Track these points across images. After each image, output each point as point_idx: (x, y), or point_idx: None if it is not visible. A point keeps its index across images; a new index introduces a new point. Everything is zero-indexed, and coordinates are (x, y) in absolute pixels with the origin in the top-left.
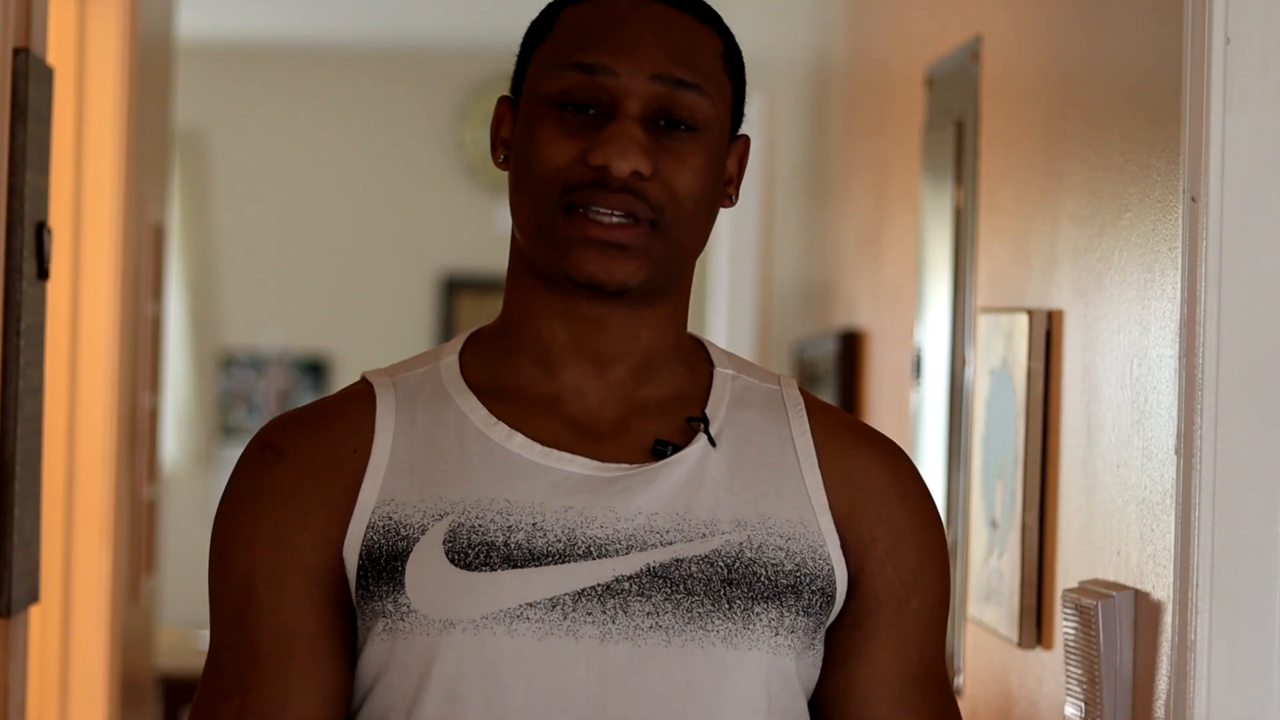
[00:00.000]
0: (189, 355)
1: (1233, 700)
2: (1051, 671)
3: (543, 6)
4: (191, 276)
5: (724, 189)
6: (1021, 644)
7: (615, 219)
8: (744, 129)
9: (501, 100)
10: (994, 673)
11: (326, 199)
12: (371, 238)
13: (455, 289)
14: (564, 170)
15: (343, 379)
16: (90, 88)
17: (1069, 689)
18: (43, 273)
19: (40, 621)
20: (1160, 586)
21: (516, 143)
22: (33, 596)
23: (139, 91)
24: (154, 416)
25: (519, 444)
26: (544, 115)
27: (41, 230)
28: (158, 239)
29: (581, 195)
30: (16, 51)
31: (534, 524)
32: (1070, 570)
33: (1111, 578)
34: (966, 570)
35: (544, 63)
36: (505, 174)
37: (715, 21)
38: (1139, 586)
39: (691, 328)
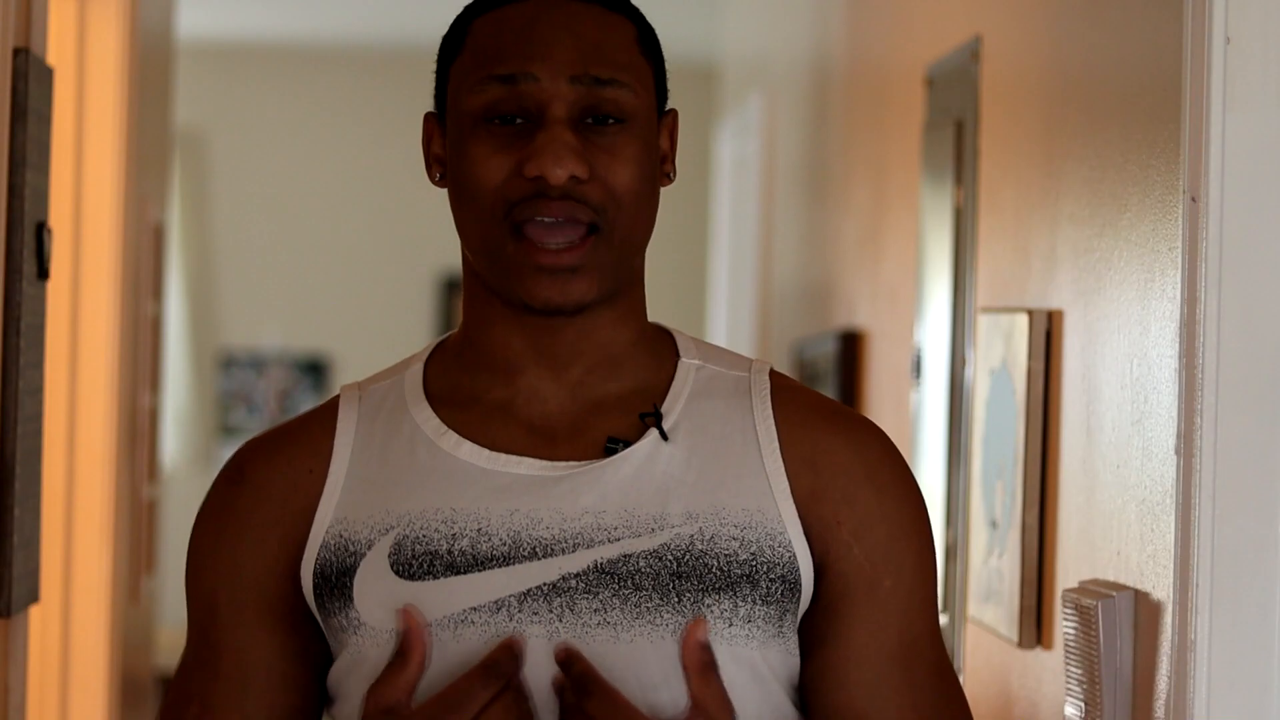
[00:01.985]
0: (189, 355)
1: (1233, 700)
2: (1051, 671)
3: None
4: (191, 276)
5: (661, 168)
6: (1021, 644)
7: (560, 242)
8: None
9: (428, 117)
10: (994, 673)
11: (326, 199)
12: (371, 238)
13: (455, 289)
14: (502, 188)
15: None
16: (90, 88)
17: (1069, 689)
18: (43, 273)
19: (40, 621)
20: (1160, 586)
21: (450, 162)
22: (33, 596)
23: (139, 91)
24: (154, 416)
25: (467, 451)
26: (473, 132)
27: (41, 230)
28: (158, 239)
29: (524, 209)
30: (16, 51)
31: (479, 529)
32: (1070, 570)
33: (1111, 578)
34: (966, 570)
35: (463, 78)
36: (441, 184)
37: (624, 8)
38: (1139, 586)
39: (692, 328)
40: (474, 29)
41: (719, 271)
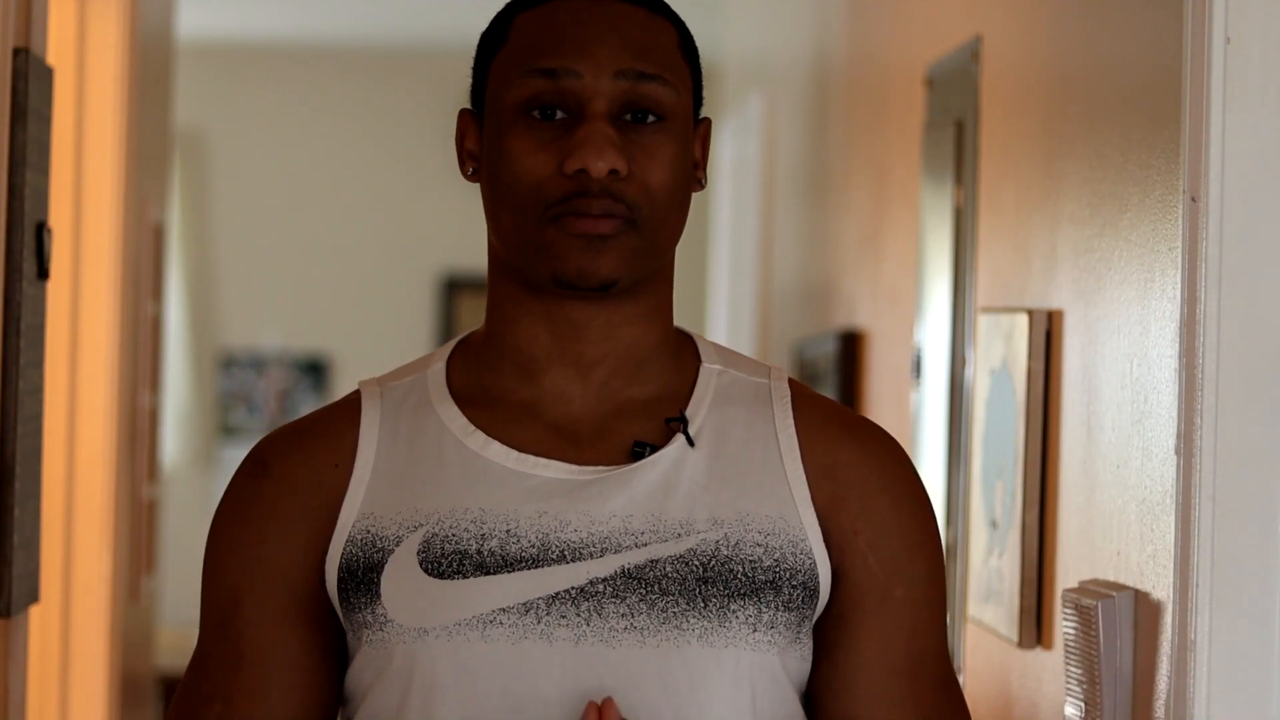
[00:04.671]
0: (189, 355)
1: (1233, 700)
2: (1051, 671)
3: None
4: (191, 276)
5: (693, 173)
6: (1021, 644)
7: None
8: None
9: (463, 113)
10: (994, 673)
11: (326, 199)
12: (371, 238)
13: (455, 289)
14: (543, 184)
15: (343, 379)
16: (90, 88)
17: (1069, 689)
18: (43, 273)
19: (40, 621)
20: (1160, 586)
21: (488, 155)
22: (33, 596)
23: (139, 91)
24: (154, 416)
25: (495, 451)
26: (513, 125)
27: (41, 230)
28: (158, 239)
29: (563, 207)
30: (16, 51)
31: (508, 530)
32: (1070, 570)
33: (1111, 578)
34: (966, 570)
35: (505, 72)
36: (473, 179)
37: (666, 11)
38: (1139, 586)
39: (692, 327)
40: (517, 24)
41: (719, 271)
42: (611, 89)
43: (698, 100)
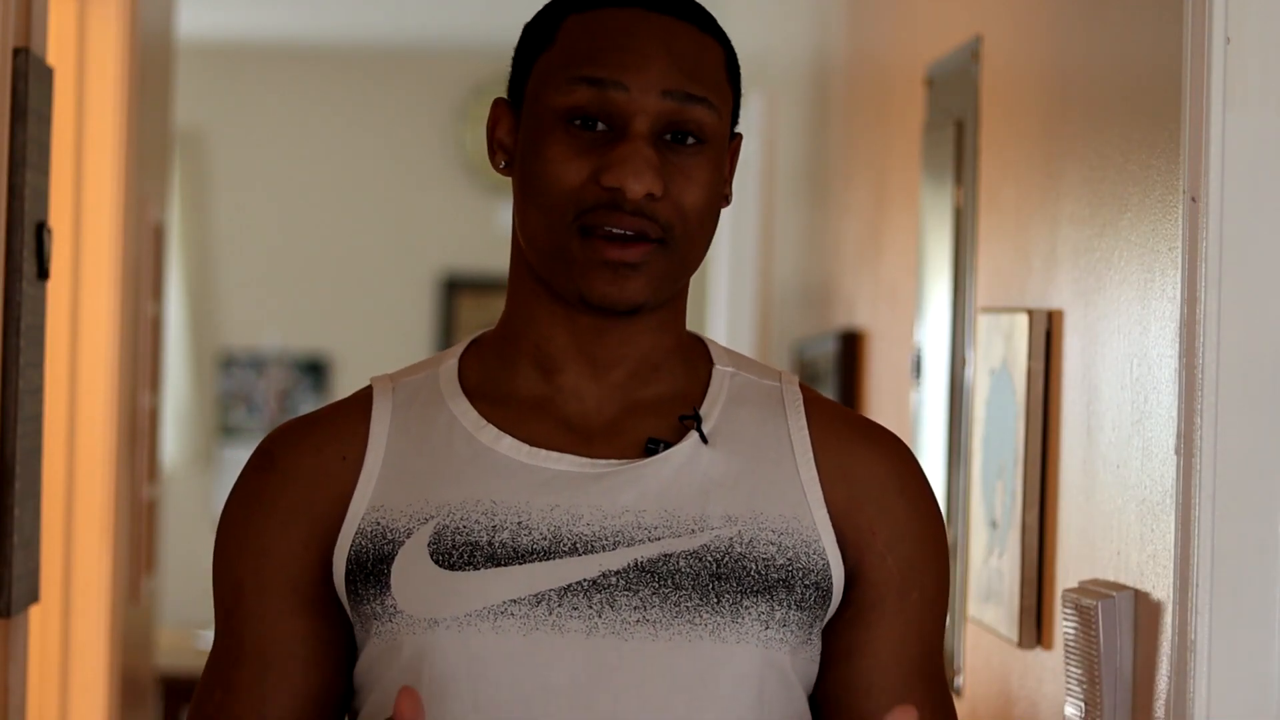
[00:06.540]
0: (189, 355)
1: (1233, 700)
2: (1051, 671)
3: (539, 9)
4: (191, 276)
5: (722, 190)
6: (1021, 644)
7: (627, 238)
8: (743, 129)
9: (498, 102)
10: (994, 673)
11: (326, 199)
12: (371, 238)
13: (455, 289)
14: (577, 191)
15: (342, 379)
16: (90, 88)
17: (1069, 689)
18: (43, 273)
19: (40, 621)
20: (1160, 586)
21: (523, 155)
22: (33, 596)
23: (139, 91)
24: (154, 416)
25: (507, 445)
26: (552, 130)
27: (41, 230)
28: (158, 239)
29: (595, 216)
30: (16, 51)
31: (519, 523)
32: (1070, 570)
33: (1111, 578)
34: (966, 570)
35: (550, 74)
36: (505, 173)
37: (715, 30)
38: (1139, 586)
39: (692, 328)
40: (566, 26)
41: (719, 271)
42: (657, 107)
43: (734, 119)
